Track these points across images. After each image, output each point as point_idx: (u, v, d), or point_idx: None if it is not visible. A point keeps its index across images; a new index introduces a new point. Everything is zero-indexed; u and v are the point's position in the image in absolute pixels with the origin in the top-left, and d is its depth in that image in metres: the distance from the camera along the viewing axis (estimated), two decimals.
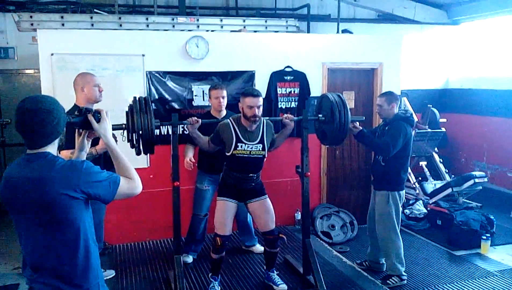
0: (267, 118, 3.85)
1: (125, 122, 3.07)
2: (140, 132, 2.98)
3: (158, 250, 4.88)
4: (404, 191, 4.24)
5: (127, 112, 3.07)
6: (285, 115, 3.86)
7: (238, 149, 3.58)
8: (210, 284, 3.87)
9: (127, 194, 1.98)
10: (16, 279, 4.16)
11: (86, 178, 1.83)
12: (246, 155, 3.60)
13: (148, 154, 4.89)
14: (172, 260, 3.91)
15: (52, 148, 1.88)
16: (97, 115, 2.05)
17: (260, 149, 3.64)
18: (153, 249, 4.89)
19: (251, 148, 3.60)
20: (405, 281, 4.15)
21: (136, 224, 5.03)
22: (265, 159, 3.77)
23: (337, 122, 3.64)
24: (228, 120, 3.70)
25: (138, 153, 3.07)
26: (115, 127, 2.88)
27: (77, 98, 3.64)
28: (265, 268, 4.11)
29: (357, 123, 3.99)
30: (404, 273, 4.18)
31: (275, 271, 4.06)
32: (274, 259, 3.99)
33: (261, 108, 3.58)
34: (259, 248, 4.74)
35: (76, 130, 2.11)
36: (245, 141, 3.59)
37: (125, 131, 3.05)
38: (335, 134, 3.72)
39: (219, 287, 3.89)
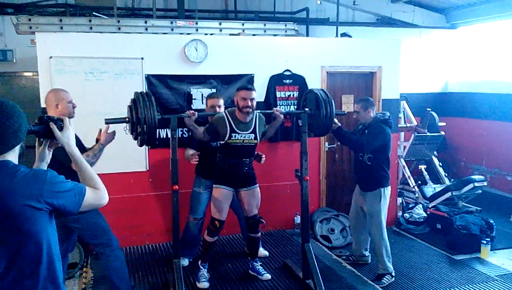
0: (259, 111, 4.08)
1: (127, 116, 3.31)
2: (145, 125, 3.20)
3: (157, 254, 4.85)
4: (390, 187, 4.40)
5: (129, 106, 3.28)
6: (275, 109, 4.12)
7: (232, 139, 3.85)
8: (200, 271, 4.11)
9: (93, 205, 1.89)
10: None
11: (50, 188, 1.73)
12: (240, 144, 3.88)
13: (147, 158, 4.92)
14: (170, 263, 3.89)
15: (12, 156, 1.77)
16: (60, 123, 1.91)
17: (253, 138, 3.92)
18: (152, 253, 4.86)
19: (244, 137, 3.88)
20: (394, 278, 4.31)
21: (135, 228, 5.00)
22: (256, 146, 4.04)
23: (323, 113, 3.88)
24: (223, 112, 3.97)
25: (141, 145, 3.35)
26: (118, 121, 3.21)
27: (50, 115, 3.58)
28: (249, 258, 4.30)
29: (336, 120, 4.20)
30: (392, 269, 4.35)
31: (258, 261, 4.30)
32: (257, 247, 4.27)
33: (254, 101, 3.85)
34: (262, 252, 4.71)
35: (37, 139, 1.98)
36: (238, 131, 3.86)
37: (128, 125, 3.31)
38: (321, 125, 3.96)
39: (208, 275, 4.12)
